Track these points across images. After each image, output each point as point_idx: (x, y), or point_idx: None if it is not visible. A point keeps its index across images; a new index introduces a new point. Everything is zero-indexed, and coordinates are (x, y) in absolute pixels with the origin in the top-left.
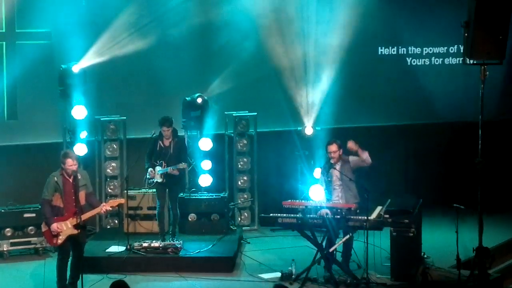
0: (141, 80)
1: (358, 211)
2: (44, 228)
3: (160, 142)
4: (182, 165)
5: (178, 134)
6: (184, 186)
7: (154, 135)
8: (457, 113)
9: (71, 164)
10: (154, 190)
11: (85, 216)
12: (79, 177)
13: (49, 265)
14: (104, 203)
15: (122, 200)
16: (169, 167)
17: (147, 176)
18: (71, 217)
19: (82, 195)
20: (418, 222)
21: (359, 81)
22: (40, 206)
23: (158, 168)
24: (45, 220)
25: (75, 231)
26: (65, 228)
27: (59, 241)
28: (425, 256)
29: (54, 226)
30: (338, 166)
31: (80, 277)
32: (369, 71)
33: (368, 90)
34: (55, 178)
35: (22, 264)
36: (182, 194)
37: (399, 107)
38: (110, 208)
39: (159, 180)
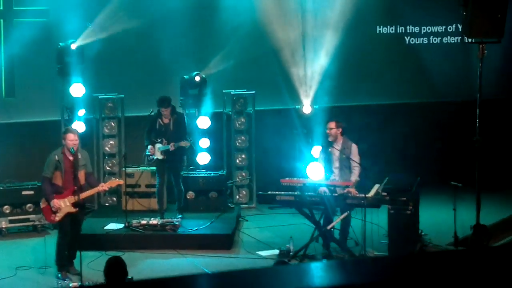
0: (139, 58)
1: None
2: (43, 204)
3: (160, 120)
4: (185, 143)
5: (177, 110)
6: (184, 163)
7: (153, 113)
8: (455, 92)
9: (71, 139)
10: (153, 167)
11: (83, 195)
12: (79, 157)
13: (48, 242)
14: (102, 183)
15: (121, 181)
16: (170, 144)
17: (147, 153)
18: (69, 195)
19: (81, 174)
20: (415, 200)
21: (357, 59)
22: (40, 184)
23: (158, 145)
24: (45, 197)
25: (73, 209)
26: (63, 205)
27: (57, 218)
28: (423, 233)
29: (55, 201)
30: (337, 146)
31: (78, 254)
32: (368, 49)
33: (366, 68)
34: (56, 156)
35: (20, 241)
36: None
37: (397, 85)
38: (107, 188)
39: (160, 157)
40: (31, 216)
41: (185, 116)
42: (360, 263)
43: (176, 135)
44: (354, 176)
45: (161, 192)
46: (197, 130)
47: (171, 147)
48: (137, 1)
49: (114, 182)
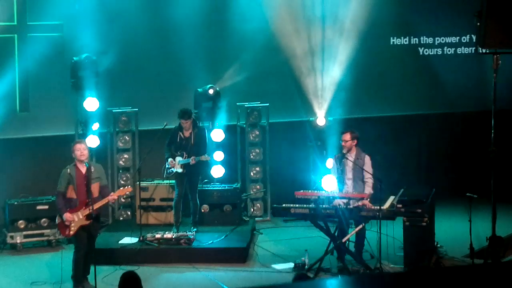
0: (153, 72)
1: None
2: (58, 219)
3: (181, 133)
4: (205, 157)
5: (198, 124)
6: (202, 177)
7: (167, 126)
8: (470, 103)
9: (79, 148)
10: (168, 181)
11: (95, 206)
12: (93, 170)
13: (64, 257)
14: (112, 193)
15: (129, 188)
16: (191, 158)
17: (167, 166)
18: (82, 207)
19: (95, 187)
20: (431, 212)
21: (371, 71)
22: (54, 198)
23: (179, 159)
24: (58, 211)
25: (87, 222)
26: (76, 218)
27: (71, 232)
28: (438, 245)
29: (67, 215)
30: (351, 157)
31: (92, 269)
32: (382, 61)
33: (380, 80)
34: (68, 170)
35: (35, 256)
36: None
37: (411, 97)
38: (116, 197)
39: (180, 170)
40: (46, 231)
41: (205, 130)
42: (376, 278)
43: (196, 149)
44: (368, 188)
45: (178, 204)
46: (211, 143)
47: (191, 160)
48: (150, 14)
49: (123, 190)
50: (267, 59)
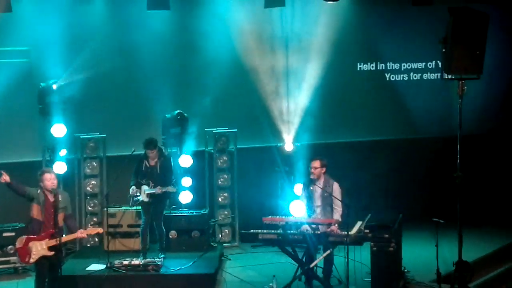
0: (121, 97)
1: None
2: (18, 244)
3: (146, 162)
4: (171, 189)
5: (164, 152)
6: (166, 205)
7: (134, 152)
8: (436, 128)
9: (49, 178)
10: (136, 207)
11: (62, 240)
12: (60, 199)
13: (28, 285)
14: (81, 230)
15: (100, 230)
16: (156, 188)
17: (132, 195)
18: (47, 238)
19: (60, 217)
20: (398, 237)
21: (338, 96)
22: (21, 225)
23: (145, 188)
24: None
25: (49, 253)
26: (39, 248)
27: (31, 260)
28: (406, 270)
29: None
30: (319, 184)
31: None
32: (349, 86)
33: (348, 105)
34: (38, 191)
35: (1, 284)
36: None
37: (379, 122)
38: (86, 236)
39: (146, 199)
40: (12, 258)
41: (171, 160)
42: None
43: (162, 178)
44: (337, 215)
45: (145, 231)
46: (179, 169)
47: (157, 190)
48: (117, 40)
49: (93, 230)
50: (234, 85)
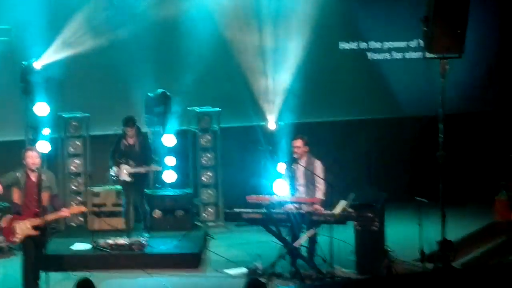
0: (104, 76)
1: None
2: (3, 224)
3: (124, 140)
4: (155, 167)
5: (142, 131)
6: (149, 182)
7: (117, 131)
8: (419, 107)
9: (31, 156)
10: (120, 186)
11: (46, 219)
12: (44, 178)
13: (15, 264)
14: (64, 209)
15: (83, 208)
16: (141, 166)
17: (112, 174)
18: (31, 217)
19: (45, 196)
20: (381, 216)
21: (321, 75)
22: (5, 204)
23: (126, 167)
24: None
25: (34, 232)
26: (23, 228)
27: (16, 240)
28: (389, 249)
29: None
30: (302, 163)
31: (43, 276)
32: (331, 65)
33: (330, 84)
34: (18, 174)
35: None
36: (146, 190)
37: (361, 101)
38: (69, 215)
39: (128, 179)
40: None
41: (148, 137)
42: (330, 286)
43: (143, 157)
44: (319, 193)
45: (129, 211)
46: (162, 148)
47: (142, 169)
48: (100, 19)
49: (76, 208)
50: (217, 63)
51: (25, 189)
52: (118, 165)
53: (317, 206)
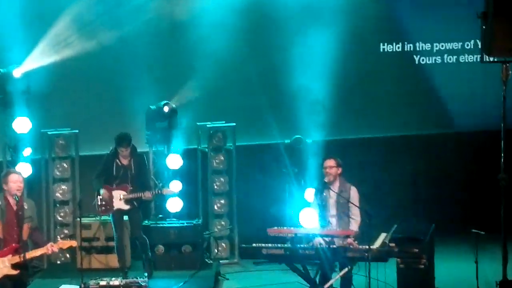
0: (96, 86)
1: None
2: None
3: (117, 160)
4: (168, 191)
5: (138, 151)
6: (149, 212)
7: (112, 151)
8: (475, 121)
9: (15, 181)
10: (109, 218)
11: (28, 256)
12: (25, 207)
13: None
14: (52, 243)
15: (74, 243)
16: (145, 192)
17: (99, 203)
18: (10, 253)
19: (25, 228)
20: (430, 251)
21: (357, 83)
22: None
23: (119, 193)
24: None
25: (13, 271)
26: (1, 266)
27: None
28: None
29: None
30: (334, 188)
31: None
32: (370, 71)
33: (368, 94)
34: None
35: None
36: (146, 221)
37: (406, 114)
38: (56, 250)
39: (125, 207)
40: None
41: (145, 158)
42: None
43: (139, 180)
44: (355, 225)
45: (122, 247)
46: (167, 171)
47: (145, 195)
48: (91, 19)
49: (66, 243)
50: (233, 70)
51: (4, 220)
52: (108, 190)
53: (352, 240)
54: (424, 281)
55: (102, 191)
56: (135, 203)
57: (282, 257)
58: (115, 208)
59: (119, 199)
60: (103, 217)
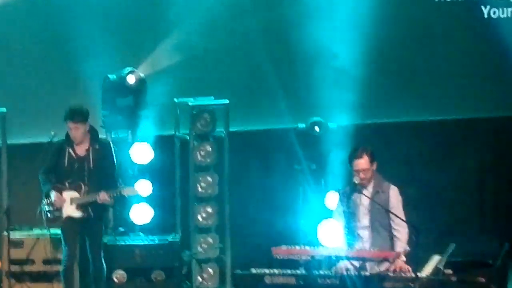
0: (33, 48)
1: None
2: None
3: (70, 149)
4: (131, 190)
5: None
6: (109, 223)
7: (55, 138)
8: None
9: None
10: (55, 230)
11: None
12: None
13: None
14: None
15: None
16: (99, 193)
17: (45, 209)
18: None
19: None
20: (502, 280)
21: (401, 47)
22: None
23: (71, 195)
24: None
25: None
26: None
27: None
28: None
29: None
30: (367, 191)
31: None
32: (419, 30)
33: (417, 62)
34: None
35: None
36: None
37: (468, 89)
38: None
39: (76, 214)
40: None
41: (112, 147)
42: None
43: (101, 177)
44: (401, 244)
45: (71, 270)
46: (131, 167)
47: (100, 197)
48: None
49: None
50: (225, 26)
51: None
52: (58, 191)
53: (401, 264)
54: None
55: (52, 193)
56: (90, 211)
57: None
58: (64, 216)
59: (69, 203)
60: (40, 230)
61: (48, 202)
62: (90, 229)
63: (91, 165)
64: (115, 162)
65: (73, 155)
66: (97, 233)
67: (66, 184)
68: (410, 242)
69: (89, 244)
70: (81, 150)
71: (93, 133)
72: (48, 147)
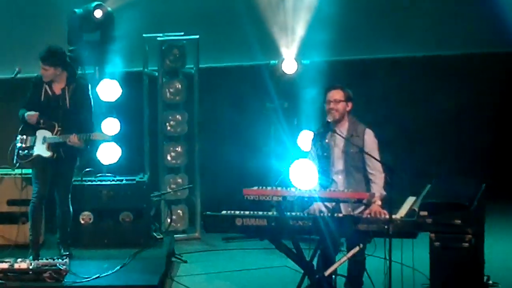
0: None
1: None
2: None
3: (47, 86)
4: (100, 135)
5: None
6: (77, 165)
7: (19, 75)
8: None
9: None
10: (21, 170)
11: None
12: None
13: None
14: None
15: None
16: (70, 136)
17: (18, 144)
18: None
19: None
20: (478, 224)
21: None
22: None
23: (44, 133)
24: None
25: None
26: None
27: None
28: (490, 282)
29: None
30: (342, 130)
31: None
32: None
33: None
34: None
35: None
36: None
37: (448, 27)
38: None
39: (46, 154)
40: None
41: (89, 87)
42: None
43: (76, 117)
44: (376, 186)
45: (38, 211)
46: (98, 105)
47: (71, 139)
48: None
49: None
50: None
51: None
52: (31, 130)
53: (376, 207)
54: (468, 266)
55: (23, 134)
56: (62, 152)
57: (264, 231)
58: (34, 154)
59: (41, 141)
60: (4, 170)
61: (22, 139)
62: (60, 171)
63: (67, 105)
64: (92, 105)
65: (49, 92)
66: (67, 176)
67: (41, 122)
68: (386, 186)
69: (57, 187)
70: (57, 88)
71: (70, 72)
72: (12, 84)
